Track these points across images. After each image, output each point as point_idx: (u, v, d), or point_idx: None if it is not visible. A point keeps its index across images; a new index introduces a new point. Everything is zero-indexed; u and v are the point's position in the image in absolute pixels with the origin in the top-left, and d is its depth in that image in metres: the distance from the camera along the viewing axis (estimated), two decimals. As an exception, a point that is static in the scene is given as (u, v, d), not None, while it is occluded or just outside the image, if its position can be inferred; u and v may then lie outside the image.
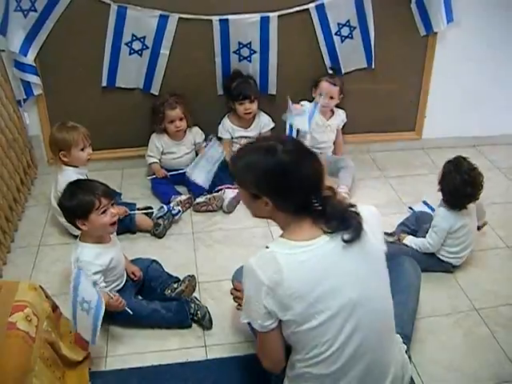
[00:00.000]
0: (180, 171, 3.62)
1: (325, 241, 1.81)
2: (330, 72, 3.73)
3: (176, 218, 3.35)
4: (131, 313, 2.49)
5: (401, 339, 2.15)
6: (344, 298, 1.78)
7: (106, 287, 2.54)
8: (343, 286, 1.79)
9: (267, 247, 1.85)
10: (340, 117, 3.85)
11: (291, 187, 1.82)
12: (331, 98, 3.67)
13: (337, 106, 3.82)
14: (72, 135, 3.04)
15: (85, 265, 2.46)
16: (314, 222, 1.83)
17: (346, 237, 1.79)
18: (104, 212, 2.50)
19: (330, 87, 3.64)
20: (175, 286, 2.72)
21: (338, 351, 1.81)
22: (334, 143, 3.90)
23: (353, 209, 1.86)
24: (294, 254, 1.79)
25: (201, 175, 3.44)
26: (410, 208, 3.37)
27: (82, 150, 3.08)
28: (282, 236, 1.89)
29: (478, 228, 3.09)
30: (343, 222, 1.81)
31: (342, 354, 1.82)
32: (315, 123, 3.61)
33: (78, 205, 2.46)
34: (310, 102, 3.61)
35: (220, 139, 3.78)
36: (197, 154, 3.76)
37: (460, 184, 2.75)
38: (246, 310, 1.90)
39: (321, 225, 1.82)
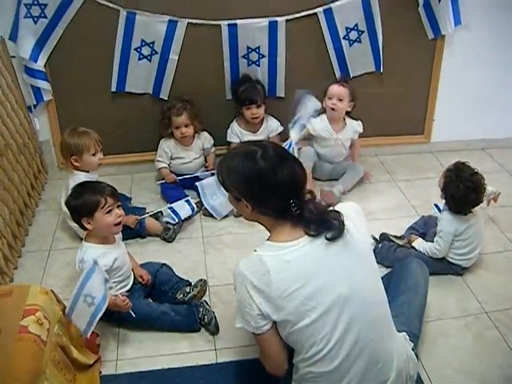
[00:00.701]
0: (189, 176, 3.64)
1: (308, 240, 1.85)
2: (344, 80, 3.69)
3: (194, 215, 3.37)
4: (134, 315, 2.50)
5: (407, 336, 2.16)
6: (334, 293, 1.81)
7: (111, 288, 2.54)
8: (332, 282, 1.82)
9: (255, 251, 1.90)
10: (353, 128, 3.75)
11: (267, 193, 1.87)
12: (340, 99, 3.59)
13: (352, 118, 3.76)
14: (84, 140, 3.05)
15: (89, 265, 2.47)
16: (293, 226, 1.88)
17: (329, 235, 1.83)
18: (109, 212, 2.52)
19: (339, 88, 3.58)
20: (187, 290, 2.73)
21: (335, 347, 1.83)
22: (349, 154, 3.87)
23: (331, 208, 1.91)
24: (279, 254, 1.83)
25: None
26: (436, 205, 3.30)
27: (94, 155, 3.09)
28: (268, 239, 1.94)
29: (492, 200, 3.09)
30: (323, 224, 1.86)
31: (340, 349, 1.84)
32: (322, 136, 3.67)
33: (83, 203, 2.50)
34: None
35: (229, 143, 3.81)
36: (205, 159, 3.78)
37: (464, 192, 2.75)
38: (240, 314, 1.94)
39: (301, 228, 1.87)
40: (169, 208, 3.32)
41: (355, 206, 2.08)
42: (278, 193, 1.86)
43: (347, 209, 1.97)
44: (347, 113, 3.71)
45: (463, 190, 2.75)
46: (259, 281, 1.82)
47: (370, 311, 1.88)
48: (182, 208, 3.33)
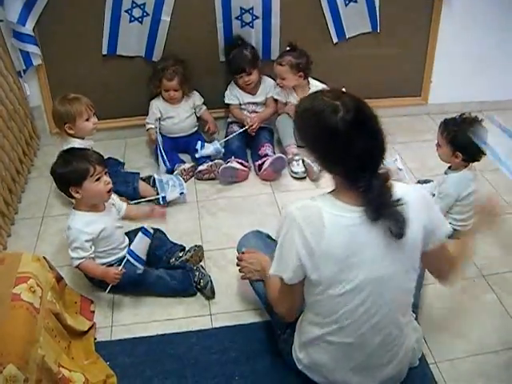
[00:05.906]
0: (180, 136, 3.67)
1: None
2: (288, 48, 3.57)
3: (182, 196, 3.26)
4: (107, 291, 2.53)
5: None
6: (373, 273, 1.76)
7: (103, 258, 2.58)
8: (376, 262, 1.76)
9: (313, 198, 1.78)
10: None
11: (336, 158, 1.72)
12: (282, 78, 3.57)
13: (319, 80, 3.65)
14: (75, 107, 3.01)
15: (75, 232, 2.46)
16: (358, 194, 1.72)
17: (390, 228, 1.71)
18: (98, 179, 2.49)
19: (276, 68, 3.57)
20: (180, 254, 2.73)
21: (356, 323, 1.82)
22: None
23: (398, 203, 1.71)
24: (340, 215, 1.72)
25: None
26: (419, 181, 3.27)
27: (87, 120, 3.06)
28: (330, 192, 1.81)
29: None
30: (383, 212, 1.71)
31: (359, 327, 1.83)
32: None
33: (72, 171, 2.45)
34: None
35: (228, 105, 3.78)
36: (198, 118, 3.76)
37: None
38: (279, 261, 1.83)
39: (362, 200, 1.72)
40: (161, 197, 3.22)
41: (421, 194, 1.89)
42: (348, 162, 1.70)
43: (412, 196, 1.80)
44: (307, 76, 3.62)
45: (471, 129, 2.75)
46: (311, 234, 1.71)
47: (398, 298, 1.86)
48: (172, 191, 3.24)
